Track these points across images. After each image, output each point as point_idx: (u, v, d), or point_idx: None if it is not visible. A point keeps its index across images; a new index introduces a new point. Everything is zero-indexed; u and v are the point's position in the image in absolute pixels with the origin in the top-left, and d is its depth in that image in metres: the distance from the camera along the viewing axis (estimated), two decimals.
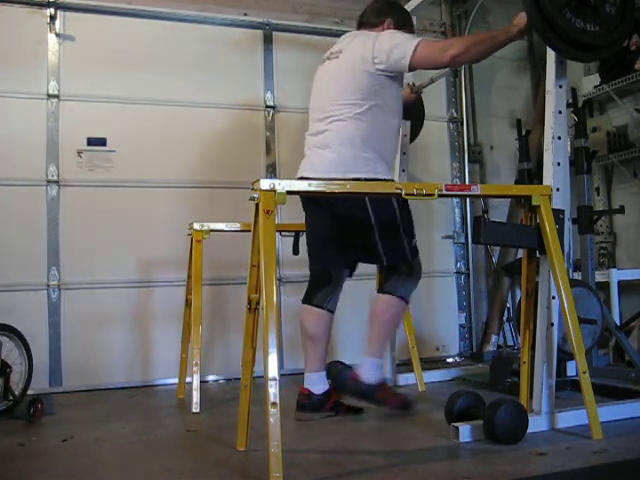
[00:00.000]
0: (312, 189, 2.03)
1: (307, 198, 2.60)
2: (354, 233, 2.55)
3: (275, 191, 1.91)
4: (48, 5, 3.56)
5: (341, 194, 2.10)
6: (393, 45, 2.44)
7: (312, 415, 2.53)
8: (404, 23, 2.72)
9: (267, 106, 4.01)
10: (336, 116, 2.49)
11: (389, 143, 2.57)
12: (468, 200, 4.39)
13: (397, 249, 2.55)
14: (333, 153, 2.47)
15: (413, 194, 2.08)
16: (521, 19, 2.37)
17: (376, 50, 2.45)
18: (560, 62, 2.38)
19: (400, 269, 2.57)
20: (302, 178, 2.51)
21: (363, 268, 3.62)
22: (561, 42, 2.27)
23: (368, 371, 2.53)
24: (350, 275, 2.78)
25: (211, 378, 3.61)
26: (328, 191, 2.04)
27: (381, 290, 2.63)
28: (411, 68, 2.44)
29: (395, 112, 2.57)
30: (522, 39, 2.42)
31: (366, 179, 2.40)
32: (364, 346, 2.60)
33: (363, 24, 2.72)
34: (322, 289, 2.63)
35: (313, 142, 2.58)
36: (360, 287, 3.95)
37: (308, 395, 2.54)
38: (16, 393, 2.80)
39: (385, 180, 2.46)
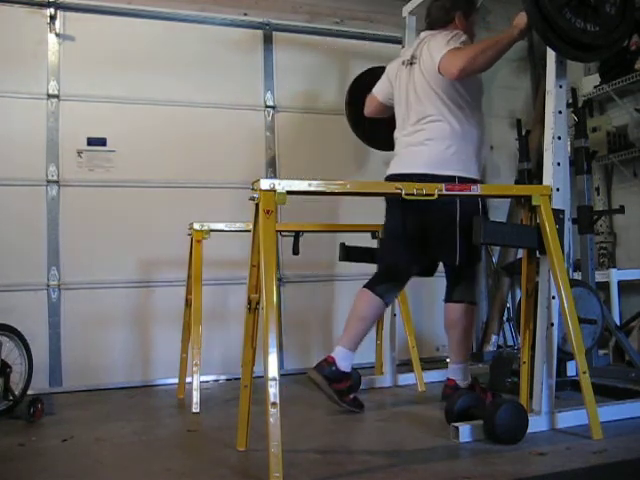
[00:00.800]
0: (312, 189, 2.02)
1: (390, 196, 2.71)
2: (435, 227, 2.61)
3: (275, 191, 1.91)
4: (48, 5, 3.56)
5: (343, 194, 2.11)
6: (437, 51, 2.54)
7: (322, 382, 2.54)
8: (471, 10, 2.79)
9: (267, 106, 4.01)
10: (430, 116, 2.60)
11: (478, 143, 2.65)
12: None
13: (470, 250, 2.61)
14: (431, 150, 2.57)
15: (413, 194, 2.08)
16: (521, 19, 2.37)
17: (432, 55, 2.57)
18: (560, 62, 2.38)
19: (465, 275, 2.67)
20: (393, 175, 2.63)
21: (364, 268, 3.63)
22: (561, 42, 2.27)
23: (460, 376, 2.65)
24: (430, 274, 2.86)
25: (211, 378, 3.62)
26: (328, 191, 2.04)
27: (450, 299, 2.70)
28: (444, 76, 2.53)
29: (479, 112, 2.66)
30: (523, 39, 2.45)
31: (460, 177, 2.51)
32: (449, 354, 2.73)
33: (434, 26, 2.75)
34: (387, 283, 2.74)
35: (407, 141, 2.67)
36: (359, 287, 3.96)
37: (332, 364, 2.57)
38: (16, 393, 2.79)
39: (475, 180, 2.54)
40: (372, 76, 3.67)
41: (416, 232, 2.65)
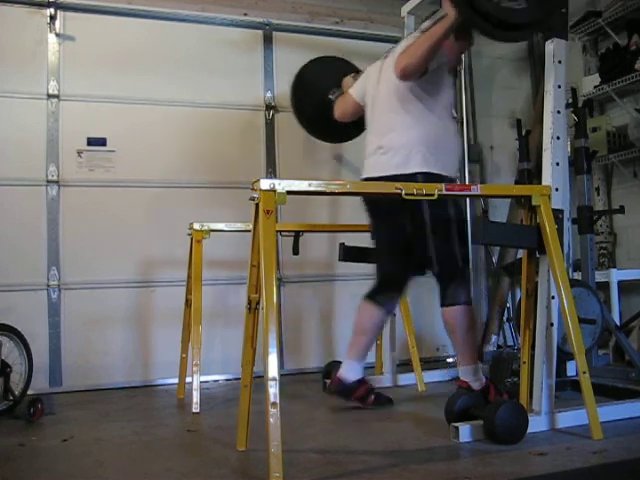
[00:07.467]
0: (312, 189, 2.02)
1: (369, 202, 2.71)
2: (412, 236, 2.59)
3: (275, 191, 1.91)
4: (48, 5, 3.56)
5: (343, 194, 2.11)
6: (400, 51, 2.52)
7: (343, 398, 2.67)
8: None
9: (267, 106, 4.01)
10: (390, 120, 2.58)
11: (438, 139, 2.54)
12: (468, 200, 4.39)
13: (447, 254, 2.54)
14: (390, 157, 2.53)
15: (413, 194, 2.08)
16: (448, 9, 2.27)
17: None
18: (559, 62, 2.39)
19: (453, 277, 2.57)
20: (367, 179, 2.60)
21: (364, 268, 3.63)
22: (489, 25, 2.19)
23: (471, 377, 2.57)
24: (423, 274, 2.78)
25: (211, 378, 3.61)
26: (328, 191, 2.04)
27: (444, 303, 2.61)
28: None
29: (441, 109, 2.56)
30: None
31: (422, 173, 2.43)
32: (457, 357, 2.64)
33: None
34: (385, 292, 2.76)
35: (373, 145, 2.64)
36: (360, 287, 3.96)
37: (340, 380, 2.68)
38: (16, 393, 2.80)
39: (440, 176, 2.44)
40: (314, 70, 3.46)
41: (401, 238, 2.63)
